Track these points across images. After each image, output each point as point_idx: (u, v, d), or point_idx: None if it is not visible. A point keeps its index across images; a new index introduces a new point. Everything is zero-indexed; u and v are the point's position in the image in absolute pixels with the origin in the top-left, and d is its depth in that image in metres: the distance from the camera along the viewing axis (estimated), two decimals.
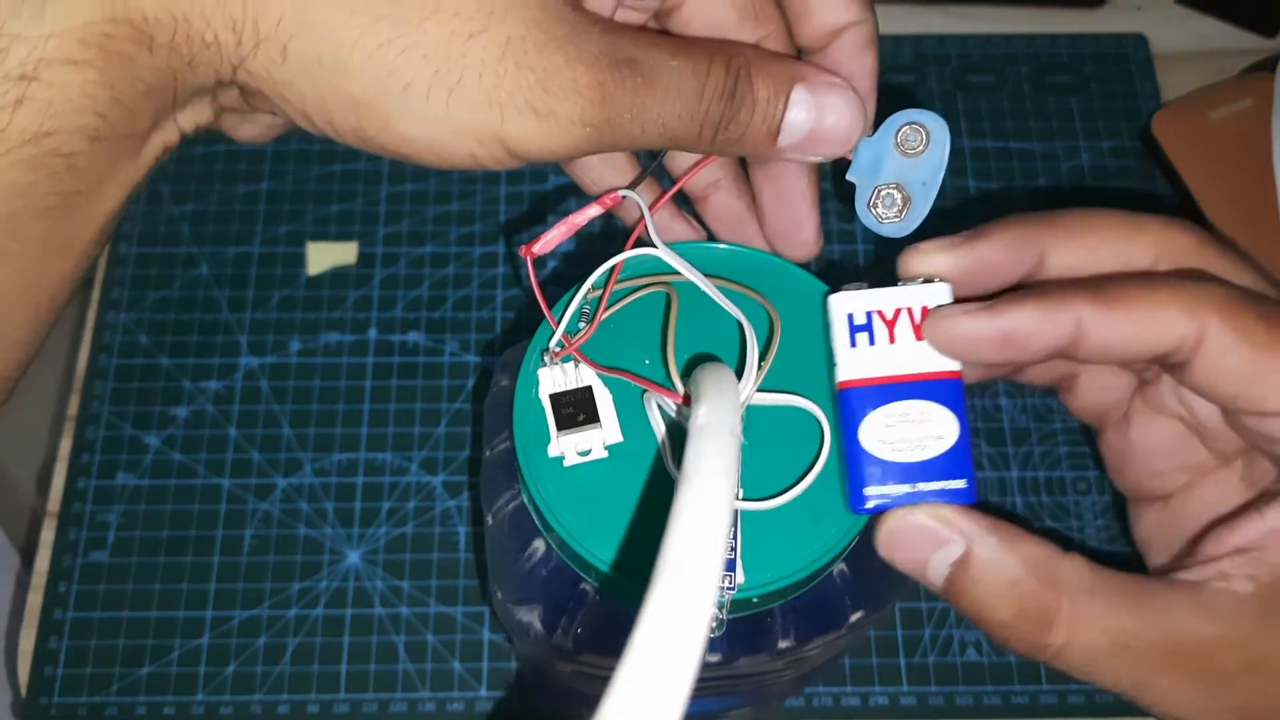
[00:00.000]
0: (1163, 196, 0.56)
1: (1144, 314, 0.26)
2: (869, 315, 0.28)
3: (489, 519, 0.35)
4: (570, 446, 0.29)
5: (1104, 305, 0.26)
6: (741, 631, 0.31)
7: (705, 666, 0.32)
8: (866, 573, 0.33)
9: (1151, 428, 0.31)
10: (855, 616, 0.33)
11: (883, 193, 0.29)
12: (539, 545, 0.32)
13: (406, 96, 0.26)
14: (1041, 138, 0.58)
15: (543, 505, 0.29)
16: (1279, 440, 0.27)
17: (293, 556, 0.48)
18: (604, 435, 0.30)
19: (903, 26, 0.61)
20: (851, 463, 0.27)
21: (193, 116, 0.28)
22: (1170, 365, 0.27)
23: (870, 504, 0.27)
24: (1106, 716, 0.46)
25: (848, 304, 0.28)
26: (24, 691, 0.46)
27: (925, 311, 0.27)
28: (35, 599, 0.48)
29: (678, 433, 0.30)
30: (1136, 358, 0.27)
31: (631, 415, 0.30)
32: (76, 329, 0.54)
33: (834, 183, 0.56)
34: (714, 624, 0.28)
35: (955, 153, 0.57)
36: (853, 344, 0.28)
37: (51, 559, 0.48)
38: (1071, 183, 0.56)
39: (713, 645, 0.32)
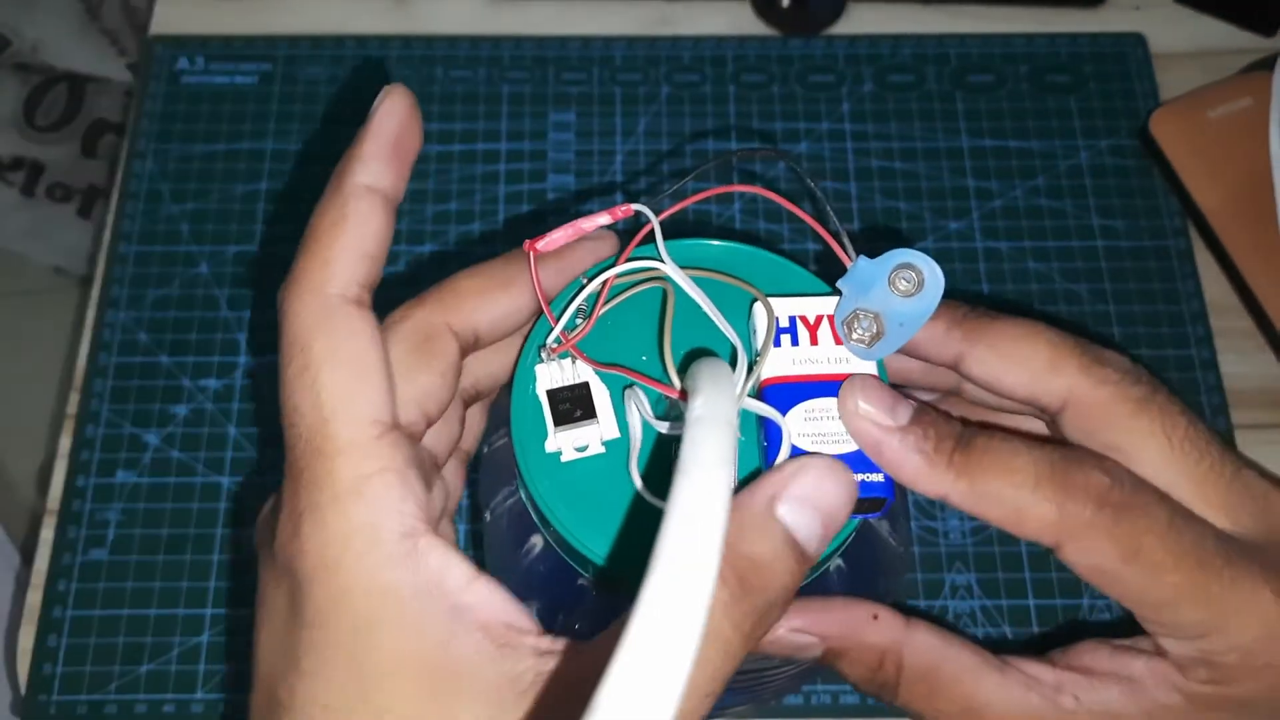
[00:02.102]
0: (1161, 195, 0.56)
1: (1011, 510, 0.28)
2: (792, 320, 0.30)
3: (487, 515, 0.35)
4: (567, 442, 0.30)
5: (974, 497, 0.28)
6: None
7: None
8: (863, 569, 0.33)
9: None
10: None
11: (861, 317, 0.29)
12: (536, 541, 0.32)
13: None
14: (1040, 137, 0.58)
15: (540, 501, 0.29)
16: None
17: None
18: (601, 431, 0.30)
19: (902, 26, 0.61)
20: (773, 454, 0.28)
21: None
22: None
23: None
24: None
25: (772, 309, 0.30)
26: (23, 689, 0.46)
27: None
28: (35, 597, 0.48)
29: (651, 434, 0.30)
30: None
31: (626, 410, 0.30)
32: (76, 327, 0.54)
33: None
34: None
35: (955, 152, 0.57)
36: (776, 344, 0.29)
37: (51, 557, 0.49)
38: (1070, 182, 0.57)
39: None
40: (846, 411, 0.28)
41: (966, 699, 0.29)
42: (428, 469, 0.29)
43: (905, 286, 0.29)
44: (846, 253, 0.30)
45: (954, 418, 0.29)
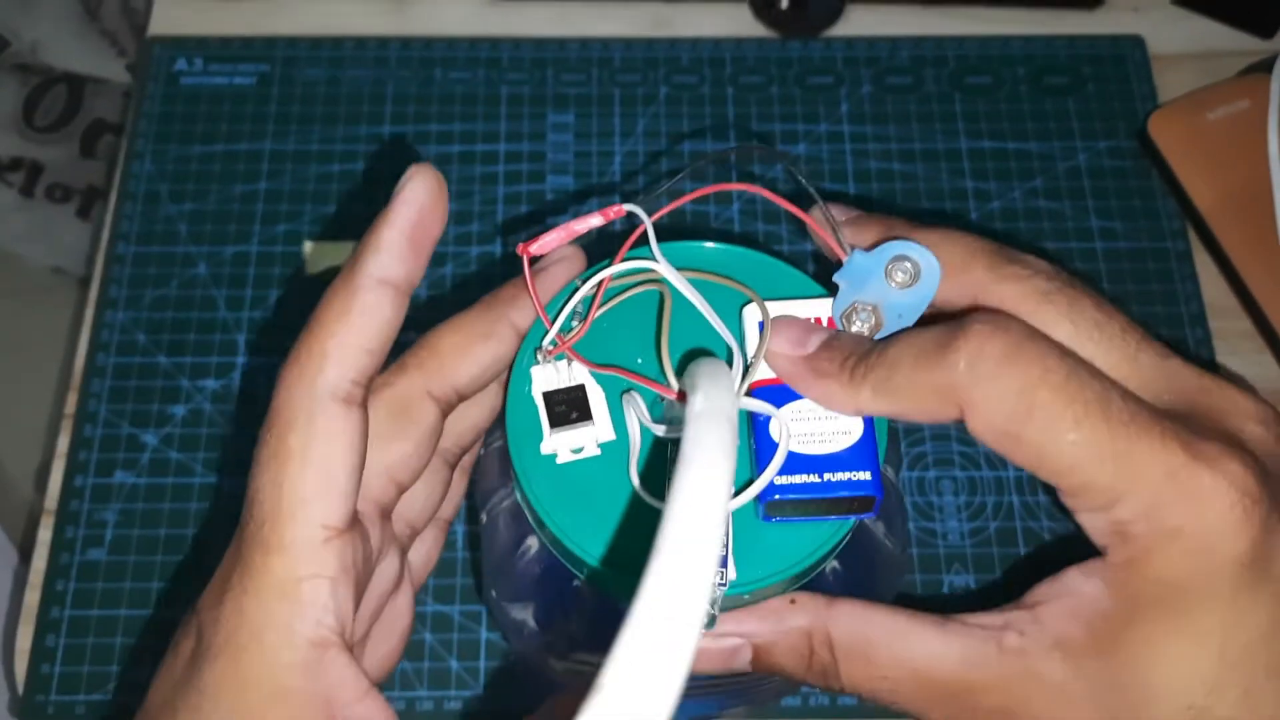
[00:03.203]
0: (1159, 197, 0.56)
1: (914, 397, 0.27)
2: None
3: (483, 517, 0.35)
4: (563, 444, 0.30)
5: (882, 400, 0.27)
6: None
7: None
8: (859, 569, 0.33)
9: None
10: None
11: (859, 310, 0.29)
12: (532, 543, 0.32)
13: None
14: (1039, 138, 0.58)
15: (536, 503, 0.29)
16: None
17: None
18: (597, 433, 0.30)
19: (900, 28, 0.61)
20: (763, 456, 0.28)
21: None
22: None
23: (778, 494, 0.28)
24: None
25: (759, 314, 0.30)
26: (21, 690, 0.46)
27: (831, 322, 0.30)
28: (32, 597, 0.48)
29: (650, 440, 0.30)
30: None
31: (625, 413, 0.30)
32: (74, 327, 0.54)
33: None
34: (705, 619, 0.28)
35: (953, 154, 0.57)
36: None
37: (49, 557, 0.49)
38: (1069, 183, 0.57)
39: None
40: (767, 354, 0.29)
41: (907, 662, 0.28)
42: (368, 571, 0.29)
43: (902, 278, 0.29)
44: (841, 246, 0.30)
45: (869, 338, 0.29)
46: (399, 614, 0.33)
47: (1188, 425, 0.25)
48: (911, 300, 0.29)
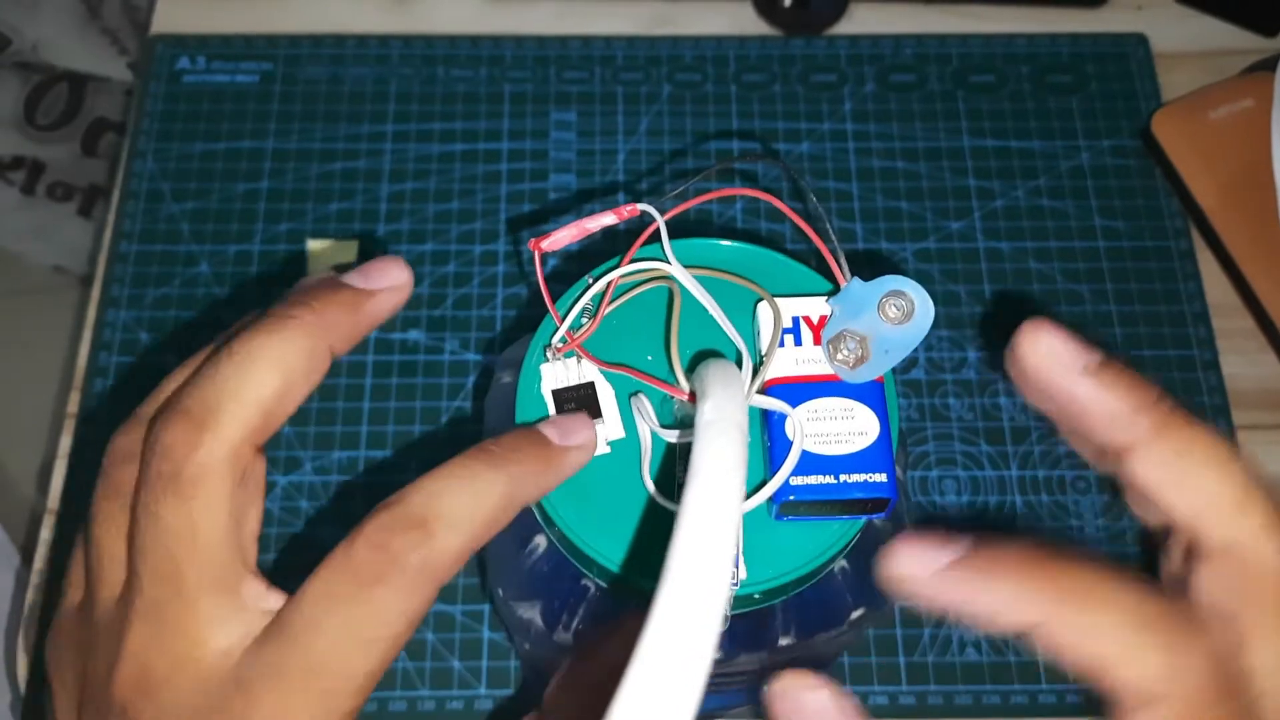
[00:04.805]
0: (1162, 195, 0.56)
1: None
2: (795, 320, 0.30)
3: None
4: None
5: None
6: (742, 628, 0.31)
7: None
8: (868, 570, 0.33)
9: None
10: (856, 614, 0.33)
11: (847, 338, 0.29)
12: (540, 541, 0.32)
13: None
14: (1042, 137, 0.58)
15: (544, 501, 0.29)
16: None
17: (293, 554, 0.48)
18: (606, 431, 0.29)
19: (903, 26, 0.61)
20: (777, 454, 0.28)
21: None
22: None
23: (793, 495, 0.28)
24: (1101, 716, 0.46)
25: (772, 312, 0.30)
26: (23, 689, 0.46)
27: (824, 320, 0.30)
28: (34, 596, 0.48)
29: (660, 440, 0.30)
30: None
31: (634, 417, 0.30)
32: (76, 326, 0.54)
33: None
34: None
35: (956, 152, 0.57)
36: (780, 345, 0.29)
37: (51, 556, 0.48)
38: (1072, 182, 0.57)
39: None
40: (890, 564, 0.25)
41: None
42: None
43: (894, 314, 0.29)
44: (842, 271, 0.30)
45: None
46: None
47: None
48: (902, 338, 0.29)
